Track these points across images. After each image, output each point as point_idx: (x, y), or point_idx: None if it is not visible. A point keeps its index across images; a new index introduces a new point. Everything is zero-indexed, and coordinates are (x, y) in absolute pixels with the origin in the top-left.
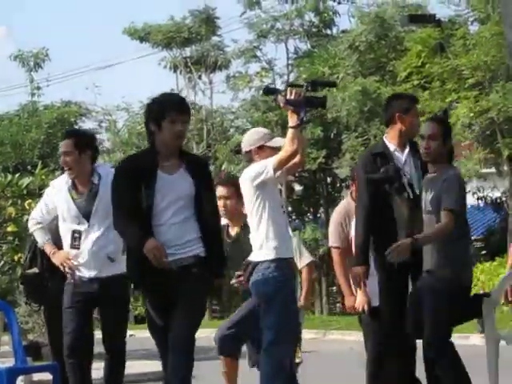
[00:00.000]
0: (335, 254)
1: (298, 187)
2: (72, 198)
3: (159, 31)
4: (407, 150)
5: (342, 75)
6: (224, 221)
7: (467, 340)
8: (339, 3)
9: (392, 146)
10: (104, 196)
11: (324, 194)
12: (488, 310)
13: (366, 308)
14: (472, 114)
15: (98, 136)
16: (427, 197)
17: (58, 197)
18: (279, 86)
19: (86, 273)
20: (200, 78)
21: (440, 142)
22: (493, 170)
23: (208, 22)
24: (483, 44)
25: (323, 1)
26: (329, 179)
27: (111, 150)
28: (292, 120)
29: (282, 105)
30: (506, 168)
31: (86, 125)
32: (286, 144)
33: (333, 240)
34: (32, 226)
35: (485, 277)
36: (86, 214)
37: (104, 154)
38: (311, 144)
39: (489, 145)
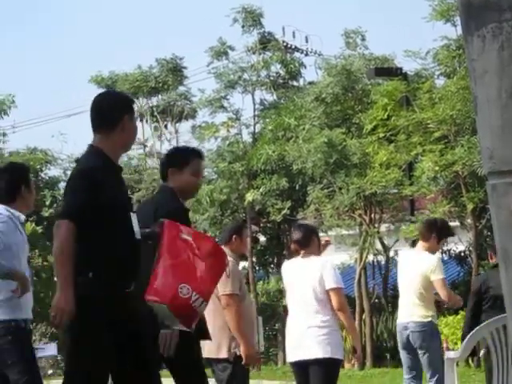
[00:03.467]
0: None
1: (262, 238)
2: None
3: (126, 80)
4: None
5: (308, 126)
6: None
7: None
8: (306, 55)
9: None
10: None
11: (288, 244)
12: (449, 366)
13: None
14: (437, 168)
15: (63, 184)
16: None
17: None
18: (245, 136)
19: None
20: (166, 127)
21: None
22: (457, 223)
23: (175, 71)
24: (449, 98)
25: (290, 52)
26: None
27: None
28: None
29: None
30: (470, 221)
31: (52, 172)
32: None
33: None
34: None
35: (448, 330)
36: None
37: None
38: (276, 195)
39: (453, 198)
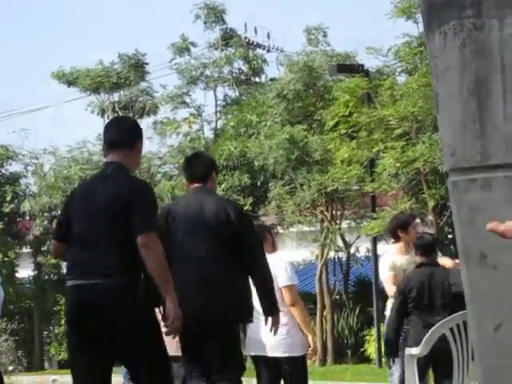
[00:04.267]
0: None
1: None
2: None
3: (87, 76)
4: None
5: (269, 123)
6: None
7: None
8: (268, 51)
9: None
10: None
11: None
12: (410, 363)
13: None
14: (398, 164)
15: (24, 180)
16: None
17: None
18: (207, 132)
19: None
20: None
21: None
22: (418, 220)
23: (137, 67)
24: (410, 95)
25: (252, 49)
26: None
27: (37, 193)
28: None
29: None
30: (431, 218)
31: (13, 168)
32: None
33: None
34: None
35: None
36: None
37: (30, 197)
38: (238, 191)
39: (414, 195)
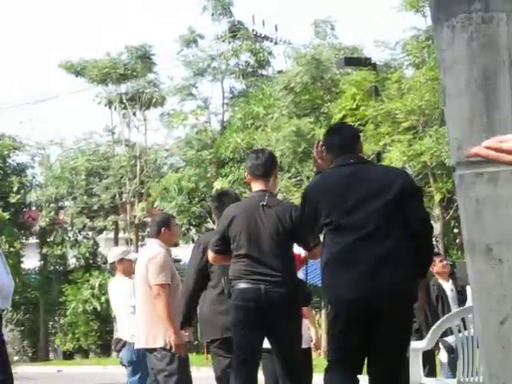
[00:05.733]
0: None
1: None
2: None
3: (95, 66)
4: None
5: (276, 115)
6: None
7: None
8: (275, 44)
9: None
10: None
11: None
12: (415, 357)
13: None
14: (405, 158)
15: (30, 170)
16: None
17: None
18: (214, 124)
19: None
20: (135, 114)
21: None
22: None
23: (144, 58)
24: (418, 88)
25: (259, 41)
26: None
27: (44, 184)
28: None
29: None
30: (437, 212)
31: (20, 158)
32: None
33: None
34: None
35: None
36: None
37: (37, 188)
38: (244, 183)
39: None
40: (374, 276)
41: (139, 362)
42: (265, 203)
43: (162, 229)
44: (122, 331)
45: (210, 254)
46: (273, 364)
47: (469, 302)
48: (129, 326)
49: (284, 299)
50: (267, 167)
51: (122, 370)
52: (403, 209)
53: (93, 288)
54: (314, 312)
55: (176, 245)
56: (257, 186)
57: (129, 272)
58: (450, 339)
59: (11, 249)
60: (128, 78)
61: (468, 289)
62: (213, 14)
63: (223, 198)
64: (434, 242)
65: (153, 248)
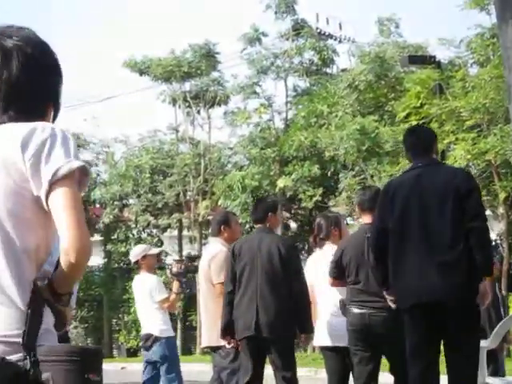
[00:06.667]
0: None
1: (293, 224)
2: None
3: (159, 65)
4: None
5: (340, 114)
6: None
7: None
8: (340, 42)
9: None
10: None
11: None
12: (480, 354)
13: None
14: (469, 156)
15: (95, 168)
16: None
17: None
18: (278, 122)
19: None
20: (199, 112)
21: None
22: (489, 212)
23: (208, 56)
24: (482, 86)
25: (323, 39)
26: None
27: (108, 182)
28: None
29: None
30: (502, 211)
31: (84, 156)
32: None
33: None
34: None
35: None
36: None
37: (101, 185)
38: (308, 181)
39: (485, 187)
40: (434, 280)
41: (175, 357)
42: (369, 235)
43: (222, 227)
44: (150, 327)
45: (329, 280)
46: (336, 362)
47: None
48: (157, 322)
49: None
50: (372, 202)
51: (185, 368)
52: (461, 208)
53: None
54: None
55: None
56: (365, 219)
57: (152, 267)
58: None
59: None
60: (192, 76)
61: None
62: (276, 12)
63: None
64: (498, 241)
65: (214, 247)
